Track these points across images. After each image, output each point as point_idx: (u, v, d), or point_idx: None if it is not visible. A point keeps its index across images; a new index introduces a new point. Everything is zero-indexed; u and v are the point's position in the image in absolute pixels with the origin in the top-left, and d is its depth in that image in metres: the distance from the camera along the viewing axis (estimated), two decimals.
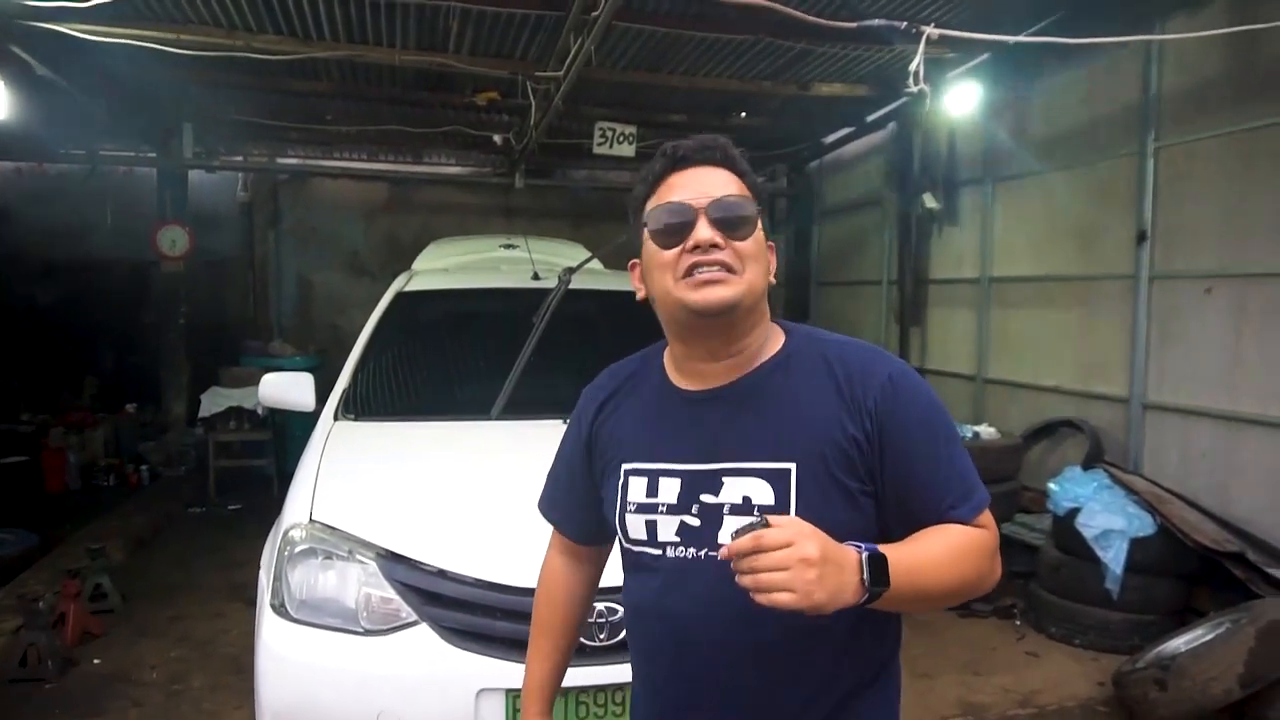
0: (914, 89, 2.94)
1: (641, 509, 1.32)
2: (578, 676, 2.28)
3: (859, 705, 1.29)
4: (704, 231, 1.24)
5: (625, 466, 1.36)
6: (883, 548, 1.11)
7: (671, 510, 1.29)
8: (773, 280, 1.31)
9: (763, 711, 1.26)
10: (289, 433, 7.00)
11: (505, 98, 6.49)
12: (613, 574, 2.33)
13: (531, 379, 3.32)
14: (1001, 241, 6.32)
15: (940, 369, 7.07)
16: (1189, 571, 4.05)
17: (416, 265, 5.03)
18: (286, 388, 3.48)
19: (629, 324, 4.13)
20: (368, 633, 2.36)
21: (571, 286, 3.60)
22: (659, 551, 1.31)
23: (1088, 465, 4.65)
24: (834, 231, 9.17)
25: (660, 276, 1.27)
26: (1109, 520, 4.04)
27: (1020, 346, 6.10)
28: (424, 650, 2.31)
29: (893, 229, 7.56)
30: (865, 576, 1.06)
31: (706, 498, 1.26)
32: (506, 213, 9.88)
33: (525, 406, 3.26)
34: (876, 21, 3.13)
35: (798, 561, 1.01)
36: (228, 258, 9.44)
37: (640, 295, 1.35)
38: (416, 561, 2.40)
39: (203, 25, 5.17)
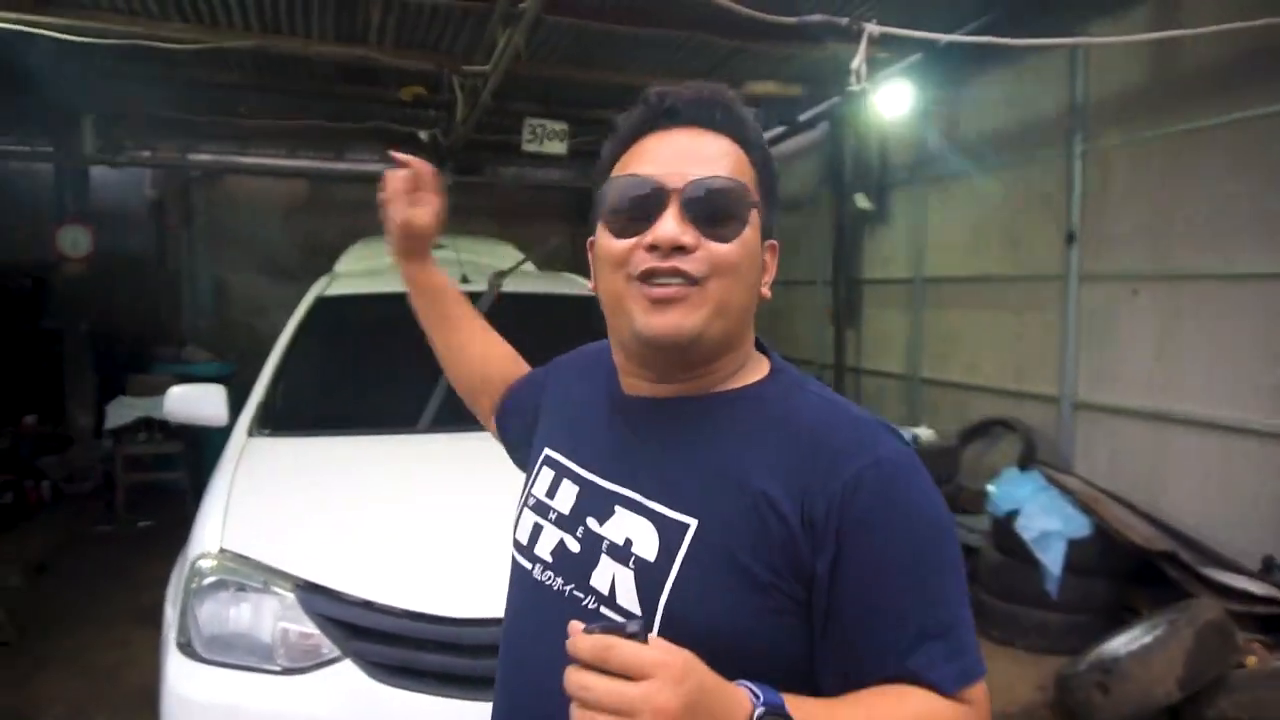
0: (856, 87, 2.87)
1: (538, 508, 1.09)
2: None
3: None
4: (668, 226, 0.91)
5: (545, 449, 1.13)
6: (796, 702, 0.80)
7: (560, 523, 1.04)
8: (765, 294, 1.01)
9: None
10: (205, 444, 6.63)
11: (431, 93, 6.27)
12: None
13: None
14: (934, 242, 6.37)
15: (875, 369, 7.11)
16: (1124, 571, 4.09)
17: (339, 267, 4.80)
18: (195, 402, 3.22)
19: (564, 329, 4.02)
20: (285, 671, 2.16)
21: (503, 289, 3.43)
22: (529, 565, 1.06)
23: (1023, 465, 4.68)
24: None
25: (608, 274, 0.97)
26: (1047, 522, 4.06)
27: (953, 346, 6.15)
28: (348, 689, 2.12)
29: (826, 229, 7.57)
30: None
31: (592, 523, 1.00)
32: None
33: (454, 419, 3.08)
34: (817, 17, 3.05)
35: (649, 710, 0.71)
36: (136, 259, 8.94)
37: (591, 286, 1.07)
38: (339, 592, 2.21)
39: (100, 11, 4.83)
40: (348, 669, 2.14)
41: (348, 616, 2.18)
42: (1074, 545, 4.00)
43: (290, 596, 2.21)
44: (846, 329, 7.30)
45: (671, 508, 0.93)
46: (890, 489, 0.88)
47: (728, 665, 0.80)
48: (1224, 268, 4.18)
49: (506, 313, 3.51)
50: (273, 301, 8.38)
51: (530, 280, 4.32)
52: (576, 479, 1.05)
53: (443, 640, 2.16)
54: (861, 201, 6.80)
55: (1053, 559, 3.97)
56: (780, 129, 8.02)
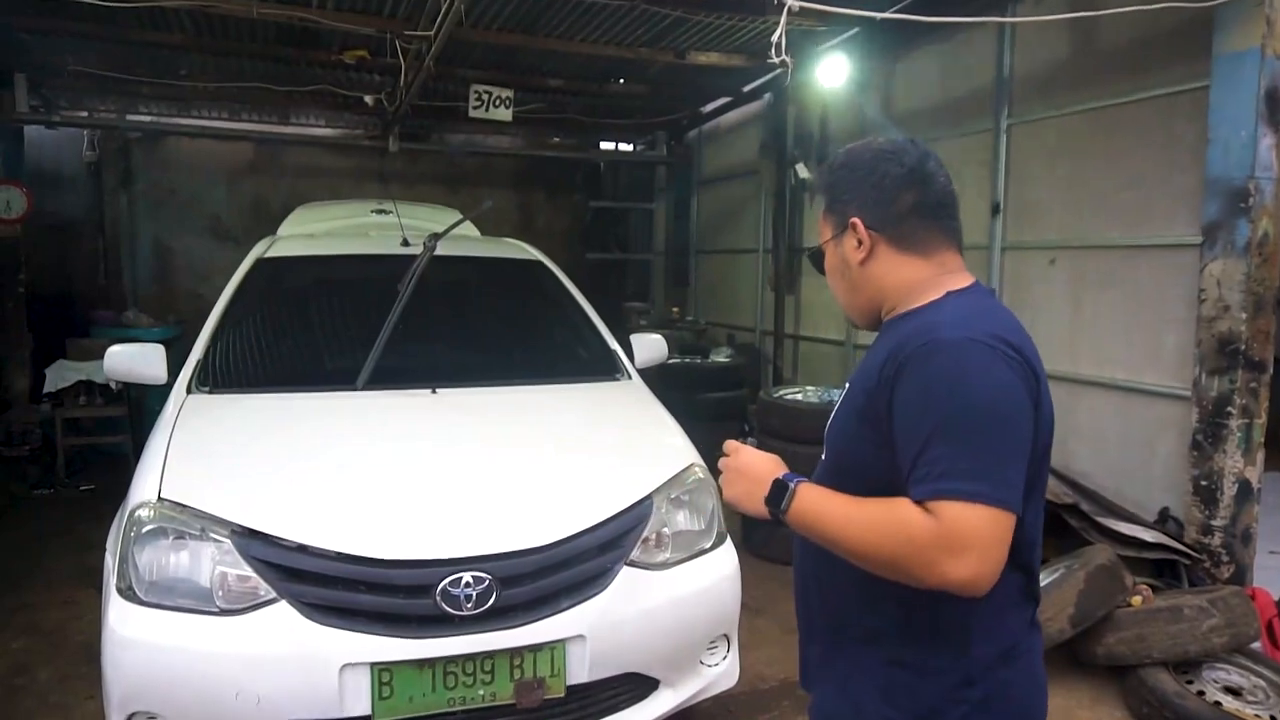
0: (776, 60, 2.99)
1: None
2: (445, 647, 2.28)
3: (852, 651, 1.44)
4: None
5: None
6: (814, 487, 1.36)
7: None
8: (858, 258, 1.45)
9: (810, 626, 1.56)
10: (146, 408, 6.61)
11: (375, 57, 6.25)
12: (475, 544, 2.34)
13: (399, 348, 3.25)
14: None
15: (813, 335, 7.31)
16: None
17: (282, 230, 4.84)
18: (134, 360, 3.28)
19: (502, 291, 4.14)
20: (223, 612, 2.27)
21: (442, 253, 3.52)
22: None
23: None
24: (712, 200, 9.29)
25: None
26: None
27: None
28: (284, 628, 2.25)
29: (768, 199, 7.73)
30: (766, 496, 1.37)
31: None
32: (380, 177, 9.56)
33: (392, 376, 3.19)
34: None
35: (726, 464, 1.48)
36: (74, 221, 8.77)
37: (859, 259, 1.46)
38: (274, 537, 2.32)
39: None
40: (283, 610, 2.26)
41: (283, 560, 2.30)
42: None
43: (227, 542, 2.31)
44: (786, 296, 7.49)
45: (851, 382, 1.46)
46: (925, 357, 1.27)
47: (845, 470, 1.40)
48: (1129, 238, 4.43)
49: (444, 275, 3.63)
50: (217, 266, 8.29)
51: (471, 244, 4.41)
52: None
53: (375, 581, 2.29)
54: (802, 171, 6.96)
55: None
56: (725, 99, 8.15)
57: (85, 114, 8.28)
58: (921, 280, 1.42)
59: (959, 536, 1.18)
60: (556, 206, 10.64)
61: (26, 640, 3.95)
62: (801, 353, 7.47)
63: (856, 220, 1.44)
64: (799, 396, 5.21)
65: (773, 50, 2.97)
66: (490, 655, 2.33)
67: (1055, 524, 4.22)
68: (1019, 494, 1.22)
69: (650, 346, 3.90)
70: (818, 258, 1.58)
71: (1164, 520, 4.17)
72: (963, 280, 1.42)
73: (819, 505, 1.33)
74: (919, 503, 1.21)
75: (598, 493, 2.62)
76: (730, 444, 1.50)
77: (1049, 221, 4.95)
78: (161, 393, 3.24)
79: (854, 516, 1.27)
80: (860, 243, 1.44)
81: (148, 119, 8.66)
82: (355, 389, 3.12)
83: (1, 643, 3.92)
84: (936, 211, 1.43)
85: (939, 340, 1.27)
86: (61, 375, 6.68)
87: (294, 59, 6.65)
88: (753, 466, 1.43)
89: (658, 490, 2.70)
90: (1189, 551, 3.80)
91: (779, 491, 1.36)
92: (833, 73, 6.01)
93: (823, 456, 1.51)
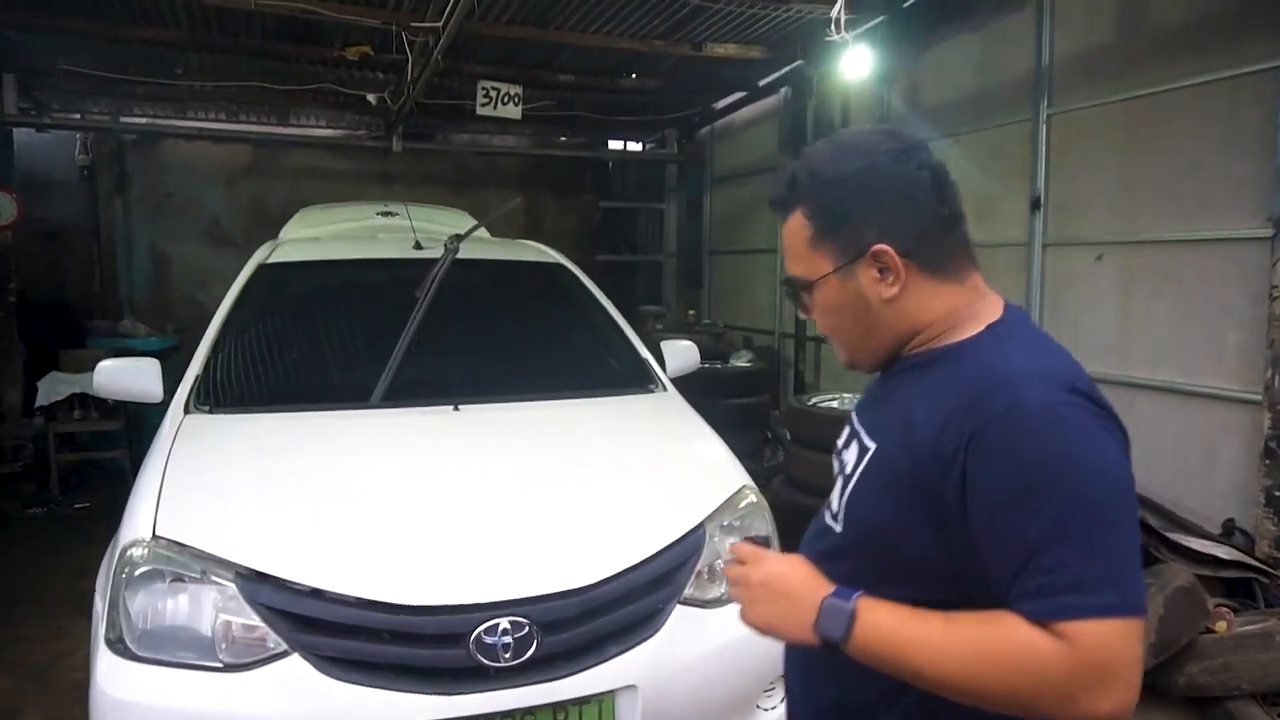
0: (835, 37, 2.74)
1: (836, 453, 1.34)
2: (481, 704, 2.02)
3: None
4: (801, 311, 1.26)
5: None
6: (879, 604, 1.07)
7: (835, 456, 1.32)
8: (886, 295, 1.15)
9: (806, 710, 1.31)
10: (144, 421, 6.34)
11: (379, 52, 6.00)
12: (514, 587, 2.08)
13: (417, 360, 2.98)
14: None
15: None
16: None
17: (284, 234, 4.58)
18: (127, 376, 3.00)
19: (524, 296, 3.88)
20: (228, 668, 2.00)
21: (459, 256, 3.25)
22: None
23: None
24: (726, 199, 9.03)
25: None
26: None
27: None
28: (297, 685, 1.97)
29: None
30: (817, 621, 1.08)
31: (844, 453, 1.27)
32: (384, 178, 9.32)
33: (410, 391, 2.92)
34: None
35: (745, 577, 1.16)
36: (67, 227, 8.51)
37: (887, 294, 1.17)
38: (285, 580, 2.05)
39: None
40: (296, 664, 1.99)
41: (295, 607, 2.03)
42: None
43: (231, 586, 2.04)
44: None
45: (871, 436, 1.19)
46: (1011, 432, 1.01)
47: (876, 552, 1.12)
48: (1184, 232, 4.16)
49: (462, 279, 3.36)
50: (216, 272, 8.02)
51: (489, 247, 4.15)
52: (852, 426, 1.30)
53: (400, 630, 2.02)
54: None
55: None
56: (739, 94, 7.89)
57: (77, 116, 8.03)
58: (960, 309, 1.16)
59: (1103, 665, 0.96)
60: (565, 207, 10.38)
61: (15, 679, 3.67)
62: (824, 356, 7.20)
63: (884, 247, 1.12)
64: (835, 404, 4.95)
65: (832, 27, 2.72)
66: (531, 711, 2.06)
67: None
68: (1145, 588, 1.02)
69: (681, 354, 3.65)
70: (801, 293, 1.22)
71: (1230, 533, 3.90)
72: (995, 306, 1.18)
73: (896, 630, 1.05)
74: (1041, 623, 0.98)
75: (646, 523, 2.35)
76: (743, 548, 1.20)
77: (1094, 216, 4.68)
78: (160, 407, 2.97)
79: (950, 644, 1.02)
80: (885, 272, 1.14)
81: (142, 121, 8.41)
82: (370, 406, 2.84)
83: None
84: (959, 222, 1.17)
85: (1024, 408, 1.02)
86: (54, 388, 6.42)
87: (294, 56, 6.40)
88: (786, 581, 1.14)
89: (710, 517, 2.43)
90: (1268, 569, 3.53)
91: (834, 616, 1.08)
92: (856, 64, 5.73)
93: (834, 526, 1.21)
